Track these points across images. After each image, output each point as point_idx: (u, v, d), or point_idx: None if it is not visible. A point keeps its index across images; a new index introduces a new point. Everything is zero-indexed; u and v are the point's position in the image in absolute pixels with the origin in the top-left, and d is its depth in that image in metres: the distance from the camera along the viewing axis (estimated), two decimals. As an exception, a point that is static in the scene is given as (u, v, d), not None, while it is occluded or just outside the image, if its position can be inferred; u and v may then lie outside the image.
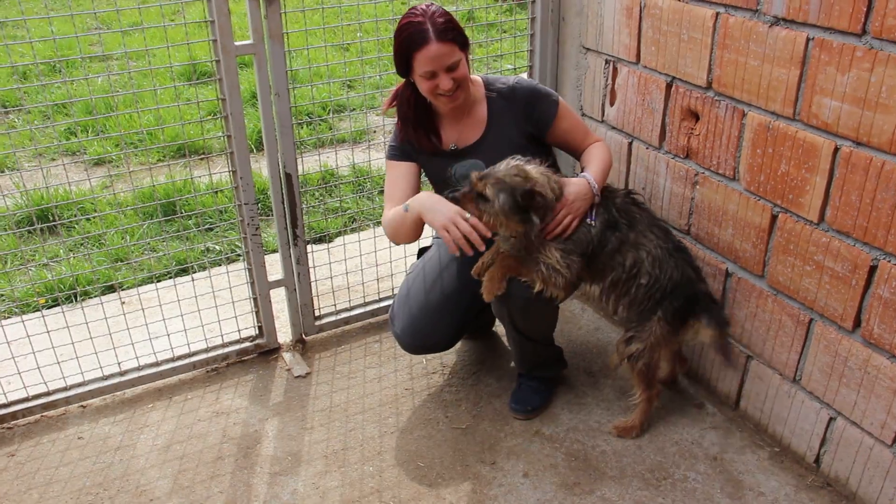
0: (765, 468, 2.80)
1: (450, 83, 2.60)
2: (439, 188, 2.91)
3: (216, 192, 4.44)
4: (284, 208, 3.16)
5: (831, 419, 2.65)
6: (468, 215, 2.51)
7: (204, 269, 3.90)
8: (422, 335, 3.01)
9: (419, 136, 2.81)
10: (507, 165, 2.58)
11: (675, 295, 2.72)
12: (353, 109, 5.18)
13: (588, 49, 3.32)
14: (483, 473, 2.80)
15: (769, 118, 2.57)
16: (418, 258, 3.21)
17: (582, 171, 2.75)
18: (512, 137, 2.81)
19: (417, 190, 2.90)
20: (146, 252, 4.17)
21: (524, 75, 3.42)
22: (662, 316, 2.72)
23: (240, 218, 3.12)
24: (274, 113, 2.99)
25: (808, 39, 2.37)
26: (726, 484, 2.74)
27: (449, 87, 2.61)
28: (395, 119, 2.88)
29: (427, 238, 3.36)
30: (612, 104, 3.27)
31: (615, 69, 3.20)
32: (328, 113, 5.34)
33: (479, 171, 2.59)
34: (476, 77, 2.85)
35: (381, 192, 4.75)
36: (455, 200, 2.55)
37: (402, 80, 2.77)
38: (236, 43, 2.83)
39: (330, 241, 4.22)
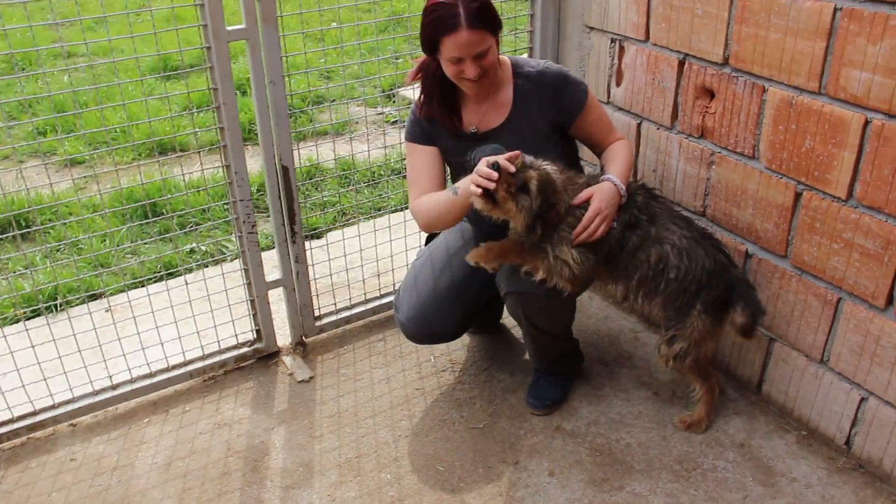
0: (794, 452, 2.73)
1: (476, 71, 2.45)
2: (455, 172, 2.78)
3: (198, 190, 4.23)
4: (281, 203, 2.99)
5: (863, 399, 2.58)
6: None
7: (190, 271, 3.71)
8: (428, 323, 2.87)
9: (442, 113, 2.67)
10: (551, 167, 2.44)
11: (712, 284, 2.59)
12: (334, 100, 5.00)
13: (592, 28, 3.20)
14: (507, 474, 2.68)
15: (792, 93, 2.48)
16: (425, 245, 3.08)
17: (603, 172, 2.62)
18: (536, 124, 2.67)
19: (444, 174, 2.78)
20: (128, 256, 3.96)
21: (525, 57, 3.29)
22: (702, 308, 2.60)
23: (234, 216, 2.94)
24: (269, 102, 2.82)
25: (835, 10, 2.28)
26: (757, 471, 2.66)
27: (475, 75, 2.46)
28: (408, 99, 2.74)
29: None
30: (618, 85, 3.16)
31: (622, 48, 3.09)
32: (307, 104, 5.13)
33: (525, 157, 2.40)
34: (504, 58, 2.70)
35: (370, 184, 4.63)
36: (496, 166, 2.33)
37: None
38: (228, 28, 2.65)
39: (319, 237, 4.05)
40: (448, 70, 2.52)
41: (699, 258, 2.59)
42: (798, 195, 2.57)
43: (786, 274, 2.70)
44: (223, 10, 2.63)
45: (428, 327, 2.89)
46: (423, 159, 2.76)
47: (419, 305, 2.86)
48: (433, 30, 2.43)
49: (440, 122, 2.70)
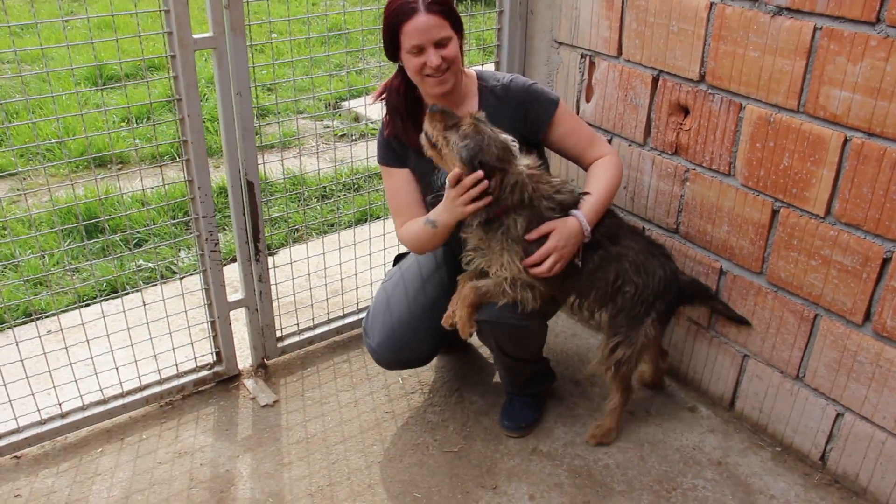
0: (770, 469, 2.73)
1: (438, 60, 2.40)
2: (422, 190, 2.73)
3: (153, 208, 4.01)
4: (245, 220, 2.85)
5: (839, 415, 2.60)
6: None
7: (137, 289, 3.51)
8: (402, 348, 2.77)
9: (406, 128, 2.60)
10: (502, 136, 2.38)
11: (666, 293, 2.62)
12: (279, 113, 4.85)
13: (561, 43, 3.18)
14: (486, 499, 2.59)
15: (770, 111, 2.50)
16: (395, 265, 2.98)
17: (576, 206, 2.50)
18: None
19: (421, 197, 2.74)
20: (70, 275, 3.71)
21: (491, 70, 3.24)
22: (657, 317, 2.61)
23: (196, 233, 2.79)
24: (235, 114, 2.68)
25: (815, 29, 2.30)
26: (736, 489, 2.65)
27: (437, 65, 2.41)
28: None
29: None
30: (588, 100, 3.14)
31: (592, 64, 3.07)
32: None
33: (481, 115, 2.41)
34: (470, 70, 2.67)
35: (322, 197, 4.50)
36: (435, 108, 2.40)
37: (392, 72, 2.59)
38: (194, 36, 2.51)
39: (273, 255, 3.91)
40: (410, 65, 2.46)
41: (655, 269, 2.60)
42: (775, 212, 2.59)
43: (761, 290, 2.71)
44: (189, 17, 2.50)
45: (401, 353, 2.80)
46: (400, 184, 2.70)
47: (393, 330, 2.76)
48: (392, 21, 2.42)
49: (405, 139, 2.62)
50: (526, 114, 2.63)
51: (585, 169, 2.70)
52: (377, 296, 2.88)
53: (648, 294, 2.59)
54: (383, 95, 2.65)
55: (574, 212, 2.48)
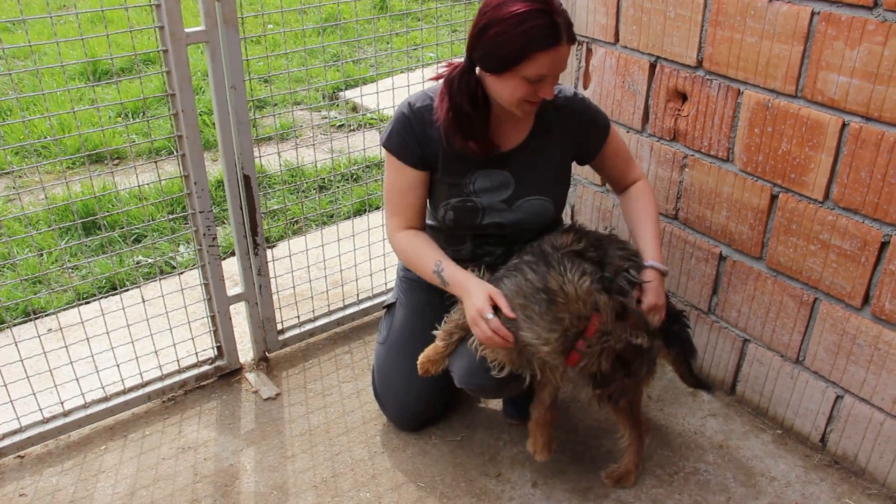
0: (771, 452, 2.75)
1: (551, 92, 2.18)
2: (444, 191, 2.46)
3: (152, 203, 4.00)
4: (243, 214, 2.85)
5: (838, 397, 2.62)
6: (490, 315, 2.18)
7: (136, 285, 3.50)
8: (418, 417, 2.82)
9: (479, 135, 2.33)
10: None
11: None
12: (276, 104, 4.84)
13: (557, 30, 3.17)
14: (490, 488, 2.61)
15: (768, 96, 2.50)
16: (385, 313, 2.88)
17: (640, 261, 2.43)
18: (553, 155, 2.47)
19: (426, 199, 2.52)
20: (70, 272, 3.71)
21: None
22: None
23: (194, 228, 2.78)
24: (230, 108, 2.67)
25: (812, 14, 2.30)
26: (738, 472, 2.66)
27: (552, 95, 2.19)
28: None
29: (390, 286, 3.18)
30: (585, 87, 3.13)
31: (589, 50, 3.06)
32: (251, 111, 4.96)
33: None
34: None
35: (321, 189, 4.49)
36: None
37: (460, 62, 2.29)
38: (186, 30, 2.49)
39: (272, 247, 3.90)
40: (517, 91, 2.16)
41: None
42: (774, 197, 2.59)
43: (761, 275, 2.72)
44: (181, 11, 2.48)
45: (419, 421, 2.84)
46: (411, 185, 2.44)
47: (403, 408, 2.77)
48: (525, 43, 2.06)
49: (473, 147, 2.35)
50: (584, 136, 2.50)
51: (619, 192, 2.63)
52: (377, 359, 2.82)
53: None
54: (443, 84, 2.32)
55: (651, 262, 2.43)
